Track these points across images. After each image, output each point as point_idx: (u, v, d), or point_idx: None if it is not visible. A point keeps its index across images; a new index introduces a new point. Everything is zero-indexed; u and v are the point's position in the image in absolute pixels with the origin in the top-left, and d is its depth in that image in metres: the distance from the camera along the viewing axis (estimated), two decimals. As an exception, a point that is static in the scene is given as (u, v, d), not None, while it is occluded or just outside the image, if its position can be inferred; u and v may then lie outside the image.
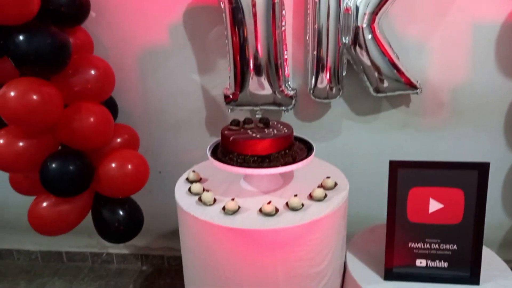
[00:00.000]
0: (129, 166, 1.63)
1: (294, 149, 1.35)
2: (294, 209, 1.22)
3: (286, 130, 1.34)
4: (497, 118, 1.76)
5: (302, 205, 1.23)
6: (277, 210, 1.21)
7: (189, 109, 1.89)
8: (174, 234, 2.15)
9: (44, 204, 1.61)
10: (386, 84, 1.63)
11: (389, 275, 1.28)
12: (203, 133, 1.92)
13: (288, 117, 1.81)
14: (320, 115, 1.85)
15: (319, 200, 1.27)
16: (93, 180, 1.62)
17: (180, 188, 1.39)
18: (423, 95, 1.71)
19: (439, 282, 1.26)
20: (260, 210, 1.22)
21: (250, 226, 1.16)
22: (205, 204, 1.26)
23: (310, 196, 1.29)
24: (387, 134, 1.83)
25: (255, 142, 1.26)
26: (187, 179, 1.44)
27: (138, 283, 2.14)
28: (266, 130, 1.34)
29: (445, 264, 1.26)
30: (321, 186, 1.34)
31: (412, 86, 1.64)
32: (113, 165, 1.61)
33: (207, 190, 1.29)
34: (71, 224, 1.68)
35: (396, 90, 1.65)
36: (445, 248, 1.25)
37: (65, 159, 1.54)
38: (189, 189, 1.35)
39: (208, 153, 1.35)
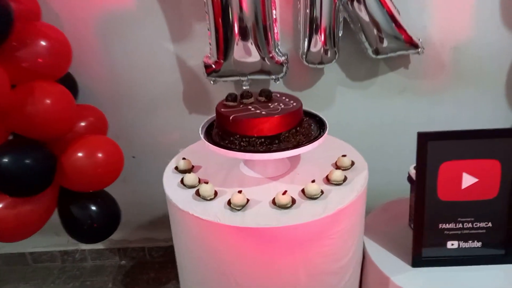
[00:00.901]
0: (99, 155, 1.46)
1: (305, 126, 1.14)
2: (312, 197, 1.03)
3: (294, 104, 1.12)
4: (501, 79, 1.65)
5: (322, 192, 1.05)
6: (293, 201, 1.02)
7: (163, 83, 1.69)
8: (153, 224, 2.01)
9: (-1, 206, 1.38)
10: (385, 43, 1.50)
11: (418, 262, 1.14)
12: (182, 110, 1.74)
13: (276, 85, 1.64)
14: (312, 83, 1.69)
15: (338, 183, 1.09)
16: (56, 173, 1.41)
17: (170, 180, 1.16)
18: (424, 56, 1.58)
19: (471, 264, 1.14)
20: (274, 202, 1.02)
21: (265, 223, 0.96)
22: (204, 198, 1.05)
23: (327, 180, 1.11)
24: (384, 100, 1.71)
25: (261, 121, 1.04)
26: (176, 168, 1.21)
27: (118, 280, 1.96)
28: (270, 105, 1.12)
29: (479, 244, 1.14)
30: (337, 166, 1.16)
31: (413, 44, 1.52)
32: (80, 154, 1.43)
33: (206, 182, 1.07)
34: (33, 228, 1.48)
35: (396, 50, 1.52)
36: (479, 226, 1.12)
37: (19, 151, 1.34)
38: (182, 181, 1.13)
39: (202, 137, 1.12)
